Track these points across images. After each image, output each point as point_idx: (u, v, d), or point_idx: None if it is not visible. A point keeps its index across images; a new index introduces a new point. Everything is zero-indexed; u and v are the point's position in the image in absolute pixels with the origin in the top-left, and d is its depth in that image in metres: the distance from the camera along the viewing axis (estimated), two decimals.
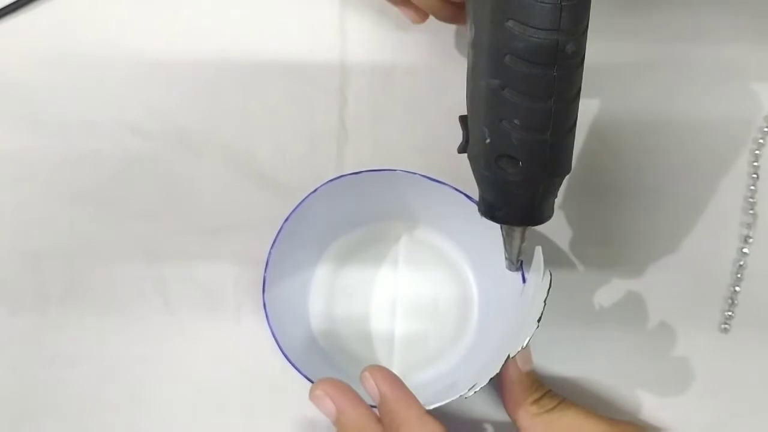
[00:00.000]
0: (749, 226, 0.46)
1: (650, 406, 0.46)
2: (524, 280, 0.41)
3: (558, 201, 0.46)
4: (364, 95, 0.47)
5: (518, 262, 0.39)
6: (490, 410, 0.45)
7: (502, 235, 0.38)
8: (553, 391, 0.42)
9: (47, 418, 0.46)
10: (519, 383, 0.41)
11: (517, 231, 0.37)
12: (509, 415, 0.42)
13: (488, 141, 0.34)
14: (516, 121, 0.33)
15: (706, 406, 0.46)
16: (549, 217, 0.37)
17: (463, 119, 0.36)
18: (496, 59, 0.32)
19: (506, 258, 0.39)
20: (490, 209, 0.36)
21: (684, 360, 0.46)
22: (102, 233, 0.47)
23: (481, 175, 0.36)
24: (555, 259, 0.46)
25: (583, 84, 0.46)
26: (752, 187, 0.46)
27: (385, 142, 0.47)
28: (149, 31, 0.48)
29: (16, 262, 0.47)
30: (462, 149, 0.37)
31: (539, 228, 0.46)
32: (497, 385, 0.44)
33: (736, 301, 0.46)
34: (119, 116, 0.47)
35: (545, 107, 0.32)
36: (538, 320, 0.37)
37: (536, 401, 0.41)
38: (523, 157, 0.34)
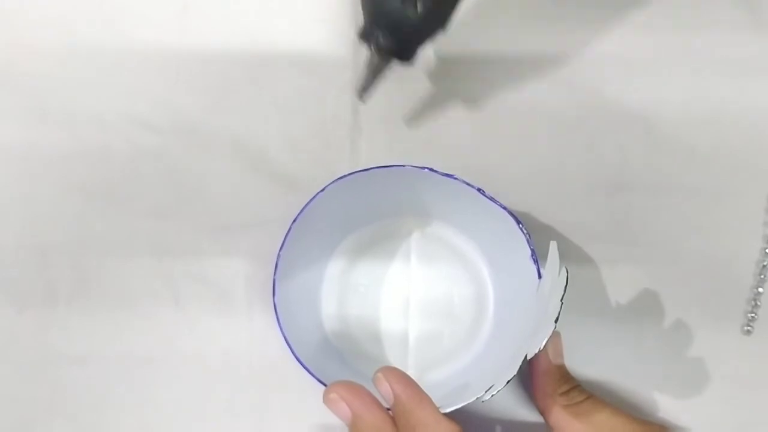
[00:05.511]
0: None
1: (670, 407, 0.45)
2: (540, 276, 0.40)
3: (575, 197, 0.46)
4: (377, 89, 0.46)
5: (362, 93, 0.41)
6: (506, 408, 0.45)
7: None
8: (582, 386, 0.42)
9: (56, 417, 0.46)
10: (549, 374, 0.42)
11: (381, 62, 0.39)
12: (537, 406, 0.42)
13: None
14: None
15: (728, 409, 0.45)
16: (408, 58, 0.39)
17: None
18: None
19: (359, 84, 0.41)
20: (364, 32, 0.39)
21: (706, 361, 0.45)
22: (111, 229, 0.46)
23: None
24: (571, 257, 0.45)
25: (600, 78, 0.46)
26: None
27: (399, 137, 0.46)
28: (159, 25, 0.47)
29: (25, 258, 0.46)
30: None
31: (556, 225, 0.45)
32: (519, 380, 0.44)
33: (759, 303, 0.45)
34: (129, 111, 0.47)
35: None
36: (556, 320, 0.36)
37: (565, 393, 0.41)
38: None
